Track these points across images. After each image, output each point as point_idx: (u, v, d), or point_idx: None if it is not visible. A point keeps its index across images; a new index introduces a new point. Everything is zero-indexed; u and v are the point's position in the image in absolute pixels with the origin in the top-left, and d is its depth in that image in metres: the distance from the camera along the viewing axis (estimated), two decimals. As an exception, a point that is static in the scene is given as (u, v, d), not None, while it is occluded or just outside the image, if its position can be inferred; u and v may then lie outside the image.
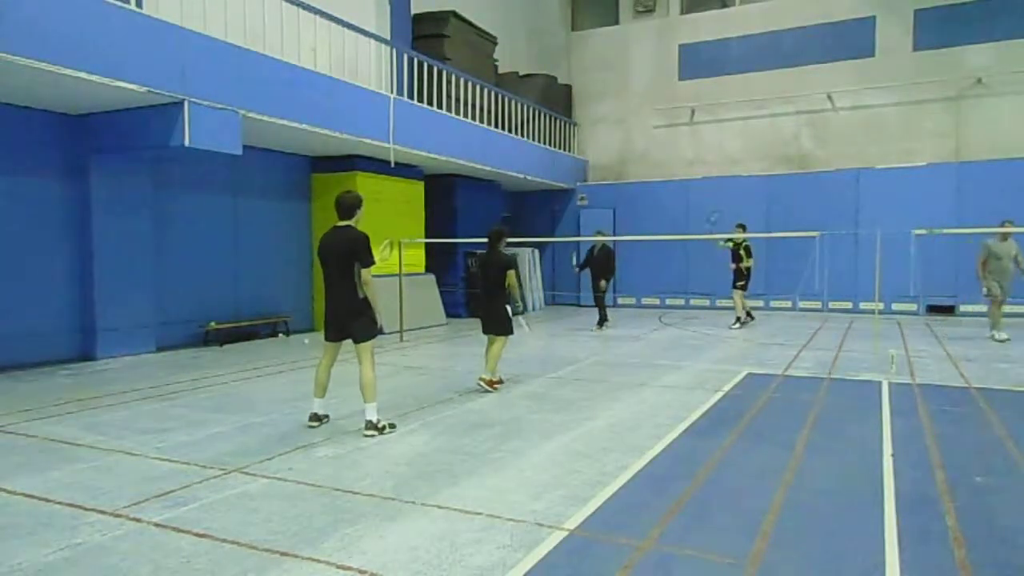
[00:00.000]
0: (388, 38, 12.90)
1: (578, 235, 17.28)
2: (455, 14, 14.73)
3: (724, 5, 18.41)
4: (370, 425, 5.61)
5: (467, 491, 4.31)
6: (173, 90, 8.25)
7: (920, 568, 3.24)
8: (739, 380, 7.94)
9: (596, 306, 13.57)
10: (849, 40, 16.65)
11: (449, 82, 13.83)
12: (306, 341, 11.47)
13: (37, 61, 6.87)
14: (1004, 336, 10.99)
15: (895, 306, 15.31)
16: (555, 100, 18.74)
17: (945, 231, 11.21)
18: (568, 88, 19.78)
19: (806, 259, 12.66)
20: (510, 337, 7.71)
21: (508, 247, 8.19)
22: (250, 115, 9.22)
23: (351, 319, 5.69)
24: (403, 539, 3.59)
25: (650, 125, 18.95)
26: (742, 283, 13.24)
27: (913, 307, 15.22)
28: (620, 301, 17.93)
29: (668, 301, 17.56)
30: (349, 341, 5.78)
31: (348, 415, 6.17)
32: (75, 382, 8.00)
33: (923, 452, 5.09)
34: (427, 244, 14.60)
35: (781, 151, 17.47)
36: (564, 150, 18.77)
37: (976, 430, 5.78)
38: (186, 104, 8.40)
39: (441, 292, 14.81)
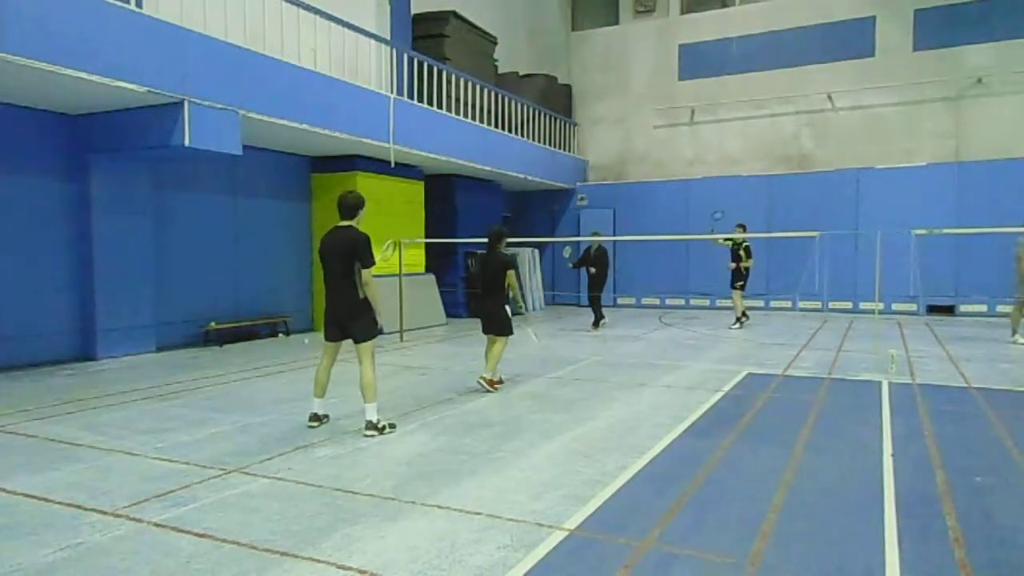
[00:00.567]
0: (388, 38, 12.89)
1: (578, 235, 17.27)
2: (455, 14, 14.73)
3: (724, 5, 18.41)
4: (370, 425, 5.61)
5: (467, 491, 4.31)
6: (173, 90, 8.25)
7: (920, 568, 3.25)
8: (739, 380, 7.94)
9: (591, 306, 13.61)
10: (849, 40, 16.63)
11: (449, 82, 13.83)
12: (306, 341, 11.47)
13: (37, 61, 6.86)
14: None
15: (895, 306, 15.30)
16: (555, 100, 18.72)
17: (945, 231, 11.21)
18: (568, 88, 19.77)
19: (806, 259, 12.67)
20: (510, 337, 7.72)
21: (508, 247, 8.19)
22: (250, 115, 9.22)
23: (352, 319, 5.69)
24: (403, 539, 3.59)
25: (650, 125, 18.94)
26: (741, 283, 13.24)
27: (913, 307, 15.21)
28: (620, 301, 17.94)
29: (668, 301, 17.56)
30: (349, 341, 5.78)
31: (348, 415, 6.17)
32: (75, 382, 8.00)
33: (923, 452, 5.09)
34: (427, 244, 14.60)
35: (781, 151, 17.46)
36: (564, 150, 18.76)
37: (976, 430, 5.78)
38: (186, 104, 8.40)
39: (441, 292, 14.81)
